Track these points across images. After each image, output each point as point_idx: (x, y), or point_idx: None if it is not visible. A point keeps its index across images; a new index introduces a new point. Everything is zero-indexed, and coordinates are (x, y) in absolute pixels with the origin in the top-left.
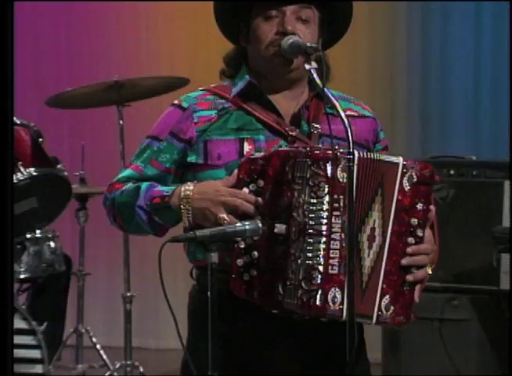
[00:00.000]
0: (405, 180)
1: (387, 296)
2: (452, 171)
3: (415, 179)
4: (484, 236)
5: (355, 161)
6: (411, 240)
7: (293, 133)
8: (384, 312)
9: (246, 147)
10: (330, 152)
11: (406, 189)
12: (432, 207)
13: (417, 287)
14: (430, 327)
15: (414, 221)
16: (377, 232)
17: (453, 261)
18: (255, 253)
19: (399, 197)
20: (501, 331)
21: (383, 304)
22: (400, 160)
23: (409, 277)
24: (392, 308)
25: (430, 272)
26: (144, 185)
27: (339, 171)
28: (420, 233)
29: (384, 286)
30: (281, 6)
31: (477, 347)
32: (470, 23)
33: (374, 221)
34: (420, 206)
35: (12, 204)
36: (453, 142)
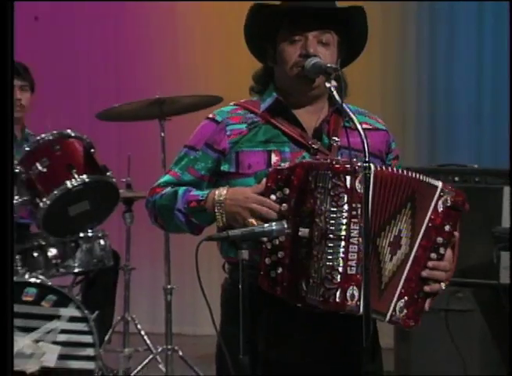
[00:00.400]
0: (440, 202)
1: (403, 300)
2: (456, 178)
3: (449, 204)
4: (485, 236)
5: (372, 172)
6: (434, 255)
7: (316, 146)
8: (398, 313)
9: (274, 158)
10: (349, 165)
11: (440, 210)
12: (457, 233)
13: (430, 298)
14: (438, 316)
15: (440, 239)
16: (404, 241)
17: (457, 258)
18: (281, 253)
19: (432, 216)
20: (501, 320)
21: (398, 306)
22: (440, 184)
23: (427, 288)
24: (405, 311)
25: (443, 287)
26: (181, 190)
27: (357, 183)
28: (442, 251)
29: (403, 290)
30: (304, 31)
31: (479, 334)
32: (474, 34)
33: (400, 230)
34: (447, 228)
35: (12, 208)
36: (458, 152)
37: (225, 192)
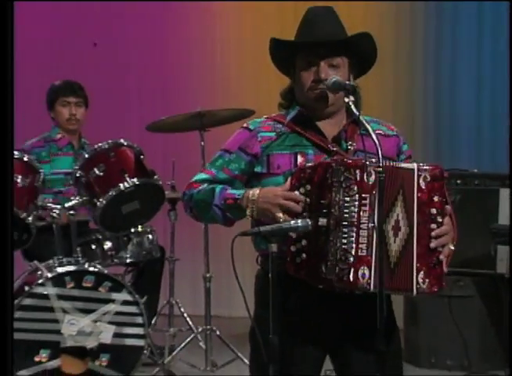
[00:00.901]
0: (421, 181)
1: (422, 272)
2: (458, 181)
3: (428, 179)
4: (484, 232)
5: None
6: (433, 225)
7: (334, 149)
8: (422, 285)
9: (299, 159)
10: (358, 162)
11: (423, 187)
12: (448, 206)
13: (444, 261)
14: (442, 301)
15: (433, 210)
16: (402, 223)
17: (459, 251)
18: (304, 241)
19: (419, 195)
20: (497, 305)
21: (419, 279)
22: (415, 166)
23: (440, 256)
24: (427, 281)
25: (452, 247)
26: (218, 187)
27: (365, 176)
28: (439, 219)
29: (418, 265)
30: (316, 60)
31: (478, 317)
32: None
33: (398, 215)
34: (436, 198)
35: (12, 209)
36: (460, 158)
37: (257, 192)
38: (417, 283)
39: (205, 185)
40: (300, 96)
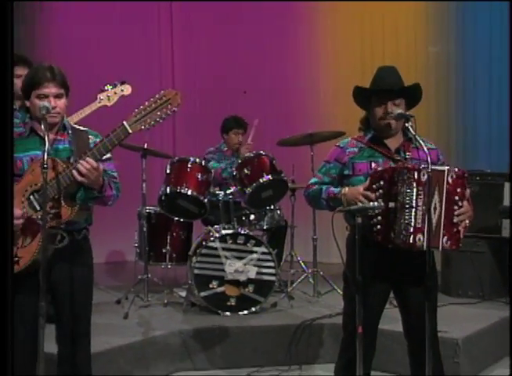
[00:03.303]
0: (449, 178)
1: (446, 236)
2: (477, 178)
3: (454, 176)
4: (493, 210)
5: (426, 173)
6: (456, 207)
7: (397, 158)
8: (445, 244)
9: (373, 165)
10: (416, 166)
11: (450, 182)
12: (467, 191)
13: (462, 231)
14: (465, 255)
15: (456, 197)
16: (438, 205)
17: (477, 222)
18: (379, 217)
19: (447, 186)
20: (501, 257)
21: (444, 240)
22: (446, 168)
23: (459, 227)
24: (449, 242)
25: (468, 222)
26: (324, 187)
27: (420, 175)
28: (460, 203)
29: (444, 231)
30: (385, 99)
31: (489, 265)
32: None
33: (435, 199)
34: (459, 189)
35: (12, 208)
36: (478, 161)
37: (347, 189)
38: (442, 243)
39: (316, 186)
40: (373, 123)
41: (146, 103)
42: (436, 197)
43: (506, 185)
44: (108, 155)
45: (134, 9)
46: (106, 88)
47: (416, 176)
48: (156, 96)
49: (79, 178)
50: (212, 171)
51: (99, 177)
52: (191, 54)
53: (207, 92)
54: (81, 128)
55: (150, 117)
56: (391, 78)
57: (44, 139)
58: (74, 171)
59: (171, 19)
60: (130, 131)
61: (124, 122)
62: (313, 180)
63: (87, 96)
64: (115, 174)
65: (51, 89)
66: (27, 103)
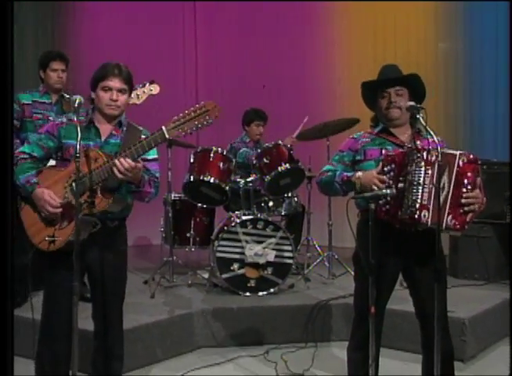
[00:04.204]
0: (460, 161)
1: (451, 216)
2: (485, 167)
3: (465, 160)
4: (499, 197)
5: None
6: (464, 190)
7: (406, 144)
8: (449, 222)
9: (383, 151)
10: (425, 147)
11: (461, 165)
12: (479, 179)
13: (470, 214)
14: (472, 239)
15: (466, 181)
16: (446, 185)
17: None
18: (389, 198)
19: (457, 169)
20: (505, 242)
21: (448, 219)
22: (458, 152)
23: (466, 208)
24: (454, 221)
25: (476, 208)
26: (338, 172)
27: (429, 156)
28: (469, 187)
29: (450, 211)
30: (386, 90)
31: (495, 249)
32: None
33: (445, 179)
34: (469, 174)
35: (12, 207)
36: (486, 150)
37: (360, 173)
38: (446, 221)
39: (330, 172)
40: (380, 116)
41: (186, 111)
42: (445, 178)
43: None
44: (155, 156)
45: (160, 9)
46: (135, 86)
47: (425, 156)
48: (197, 106)
49: (118, 175)
50: (233, 161)
51: (137, 174)
52: (214, 53)
53: (228, 89)
54: (138, 126)
55: (188, 125)
56: (391, 72)
57: (99, 131)
58: (115, 168)
59: (195, 19)
60: (167, 136)
61: (163, 127)
62: (327, 167)
63: None
64: (157, 174)
65: (115, 83)
66: (92, 95)
